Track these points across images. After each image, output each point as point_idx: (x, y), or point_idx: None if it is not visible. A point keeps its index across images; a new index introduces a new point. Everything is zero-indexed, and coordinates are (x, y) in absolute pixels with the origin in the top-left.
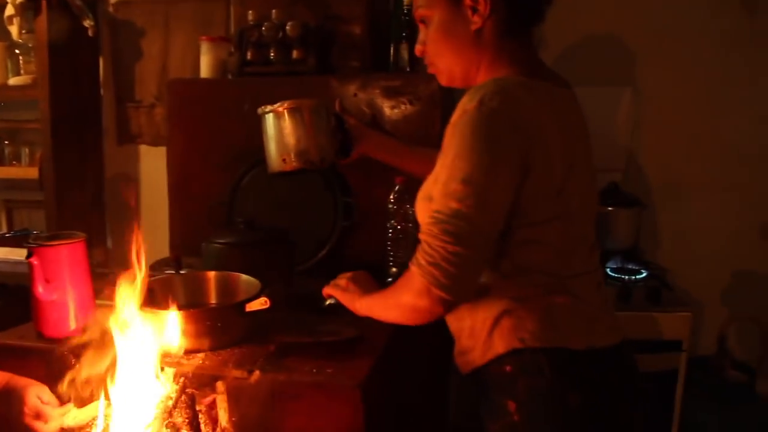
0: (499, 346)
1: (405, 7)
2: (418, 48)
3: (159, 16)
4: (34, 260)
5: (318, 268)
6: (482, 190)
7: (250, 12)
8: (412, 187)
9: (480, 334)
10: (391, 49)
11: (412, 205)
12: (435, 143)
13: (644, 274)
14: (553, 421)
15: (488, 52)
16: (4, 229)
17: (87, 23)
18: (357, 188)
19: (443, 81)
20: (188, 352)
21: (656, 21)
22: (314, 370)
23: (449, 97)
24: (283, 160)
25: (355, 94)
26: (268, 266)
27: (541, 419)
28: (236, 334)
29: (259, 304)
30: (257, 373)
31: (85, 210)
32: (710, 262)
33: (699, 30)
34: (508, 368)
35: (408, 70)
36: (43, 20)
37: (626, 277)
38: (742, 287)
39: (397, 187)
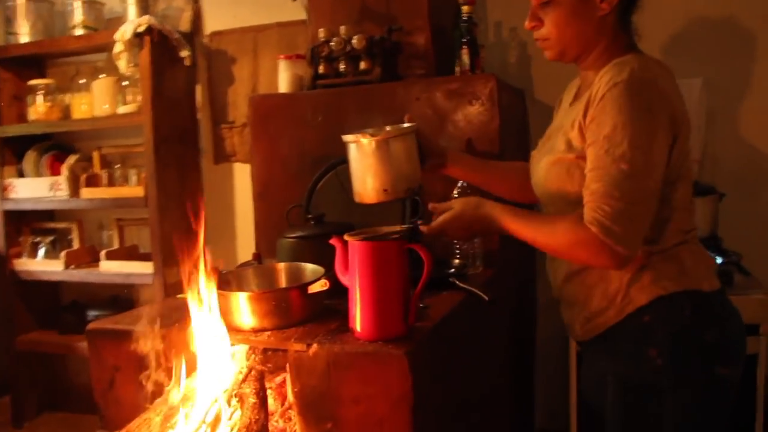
0: (640, 298)
1: (465, 15)
2: (529, 24)
3: (248, 43)
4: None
5: None
6: (647, 152)
7: (321, 30)
8: None
9: (615, 292)
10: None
11: None
12: (494, 139)
13: (720, 261)
14: (693, 356)
15: (607, 36)
16: (116, 245)
17: (184, 54)
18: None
19: (552, 55)
20: (256, 331)
21: (722, 10)
22: (366, 343)
23: (506, 95)
24: (385, 190)
25: (418, 98)
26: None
27: (681, 357)
28: (300, 314)
29: (320, 285)
30: (315, 346)
31: (186, 225)
32: None
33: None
34: (646, 318)
35: (470, 72)
36: (146, 54)
37: None
38: None
39: (460, 182)
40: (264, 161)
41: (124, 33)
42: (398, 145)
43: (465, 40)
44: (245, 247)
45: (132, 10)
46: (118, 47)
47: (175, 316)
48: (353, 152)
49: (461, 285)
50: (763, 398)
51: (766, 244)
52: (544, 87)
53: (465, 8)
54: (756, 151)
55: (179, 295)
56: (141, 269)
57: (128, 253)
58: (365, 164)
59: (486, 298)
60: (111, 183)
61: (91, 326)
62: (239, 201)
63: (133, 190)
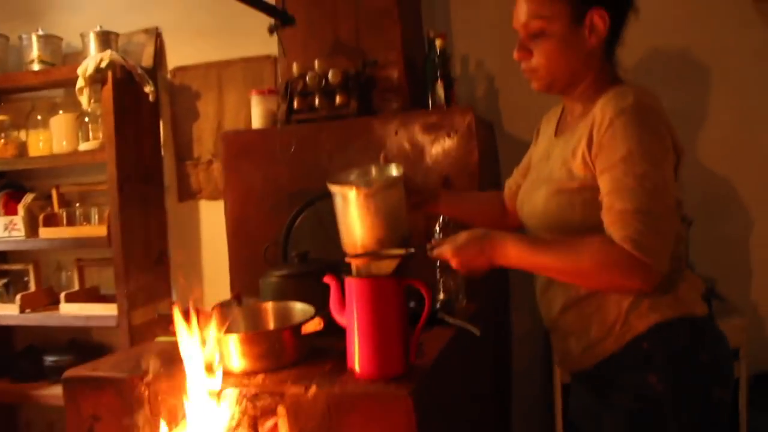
0: (639, 325)
1: (438, 49)
2: (518, 54)
3: (213, 79)
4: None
5: None
6: (664, 171)
7: (295, 64)
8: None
9: (614, 321)
10: (429, 88)
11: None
12: (473, 172)
13: None
14: (692, 380)
15: (594, 68)
16: (77, 286)
17: (148, 89)
18: None
19: (540, 86)
20: (248, 374)
21: (679, 41)
22: (368, 383)
23: (481, 128)
24: (379, 241)
25: (396, 132)
26: (323, 295)
27: (681, 382)
28: (293, 355)
29: (314, 325)
30: (314, 387)
31: (150, 265)
32: (762, 272)
33: (724, 46)
34: (645, 345)
35: (445, 106)
36: (109, 89)
37: None
38: None
39: (442, 217)
40: (237, 198)
41: (86, 68)
42: (389, 194)
43: (439, 73)
44: (214, 286)
45: (92, 44)
46: (80, 82)
47: (157, 361)
48: (340, 203)
49: (451, 321)
50: (746, 422)
51: (736, 269)
52: (513, 120)
53: (438, 42)
54: (718, 177)
55: (159, 338)
56: (104, 311)
57: (89, 295)
58: (354, 216)
59: (477, 332)
60: (70, 222)
61: (68, 373)
62: (206, 239)
63: (96, 229)
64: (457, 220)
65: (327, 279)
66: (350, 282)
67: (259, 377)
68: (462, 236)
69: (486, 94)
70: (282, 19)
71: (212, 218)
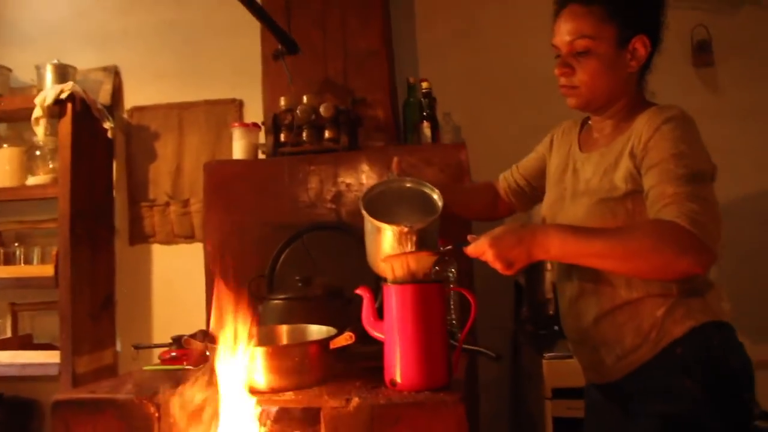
0: (675, 331)
1: (424, 90)
2: (560, 70)
3: (173, 120)
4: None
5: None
6: (711, 171)
7: (282, 98)
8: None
9: (649, 329)
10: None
11: (454, 267)
12: None
13: None
14: (724, 384)
15: (630, 91)
16: (9, 334)
17: (107, 125)
18: None
19: (578, 103)
20: (275, 391)
21: None
22: (412, 393)
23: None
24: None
25: (388, 167)
26: (332, 318)
27: (714, 386)
28: (321, 372)
29: (345, 339)
30: (356, 399)
31: (96, 311)
32: None
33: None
34: (679, 350)
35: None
36: (67, 122)
37: None
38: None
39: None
40: (219, 230)
41: (44, 98)
42: (431, 228)
43: (426, 113)
44: (163, 332)
45: (49, 77)
46: (37, 112)
47: (165, 383)
48: (374, 231)
49: (468, 346)
50: None
51: None
52: (478, 172)
53: (424, 84)
54: None
55: (147, 367)
56: (43, 359)
57: (22, 343)
58: (391, 246)
59: (494, 355)
60: (8, 262)
61: (58, 397)
62: (157, 285)
63: (41, 269)
64: (448, 210)
65: (360, 290)
66: (391, 288)
67: (289, 394)
68: (499, 228)
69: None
70: (288, 47)
71: (166, 263)
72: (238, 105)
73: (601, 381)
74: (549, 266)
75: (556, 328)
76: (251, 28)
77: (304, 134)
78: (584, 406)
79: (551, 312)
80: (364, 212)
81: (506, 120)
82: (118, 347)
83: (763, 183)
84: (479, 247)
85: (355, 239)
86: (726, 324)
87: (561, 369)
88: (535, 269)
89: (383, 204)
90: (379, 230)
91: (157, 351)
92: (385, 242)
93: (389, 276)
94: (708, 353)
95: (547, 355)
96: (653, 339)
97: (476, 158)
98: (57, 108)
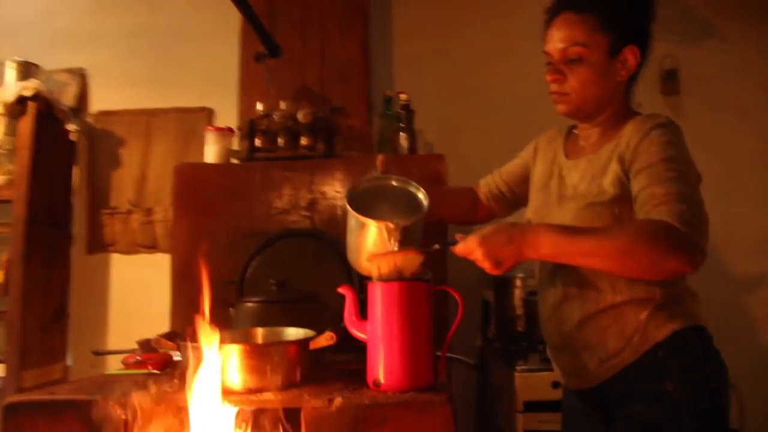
0: (658, 335)
1: (402, 102)
2: (551, 77)
3: (140, 126)
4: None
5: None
6: (697, 177)
7: (259, 103)
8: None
9: (632, 332)
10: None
11: (429, 275)
12: None
13: None
14: (704, 388)
15: (619, 98)
16: None
17: (71, 127)
18: None
19: (568, 110)
20: (252, 392)
21: None
22: (397, 394)
23: None
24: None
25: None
26: (308, 321)
27: (694, 389)
28: (300, 372)
29: (326, 339)
30: (339, 399)
31: (47, 322)
32: None
33: None
34: (661, 354)
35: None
36: (28, 122)
37: None
38: None
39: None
40: (188, 235)
41: (6, 95)
42: (414, 225)
43: (403, 125)
44: (119, 345)
45: (10, 74)
46: None
47: (130, 385)
48: (357, 227)
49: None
50: None
51: None
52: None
53: (403, 96)
54: None
55: (110, 371)
56: None
57: None
58: (374, 244)
59: (471, 362)
60: None
61: (12, 399)
62: (115, 296)
63: None
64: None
65: (342, 289)
66: (376, 286)
67: (268, 394)
68: (489, 227)
69: None
70: (270, 50)
71: (125, 273)
72: (208, 114)
73: (581, 386)
74: (519, 283)
75: (524, 344)
76: (225, 34)
77: (280, 140)
78: (561, 413)
79: (520, 328)
80: (348, 208)
81: (479, 138)
82: (69, 361)
83: (723, 211)
84: (468, 246)
85: (329, 247)
86: (705, 329)
87: (533, 382)
88: (504, 286)
89: (367, 201)
90: (363, 226)
91: (117, 360)
92: (369, 239)
93: (374, 274)
94: (689, 358)
95: (519, 368)
96: (636, 342)
97: (448, 175)
98: (18, 107)
